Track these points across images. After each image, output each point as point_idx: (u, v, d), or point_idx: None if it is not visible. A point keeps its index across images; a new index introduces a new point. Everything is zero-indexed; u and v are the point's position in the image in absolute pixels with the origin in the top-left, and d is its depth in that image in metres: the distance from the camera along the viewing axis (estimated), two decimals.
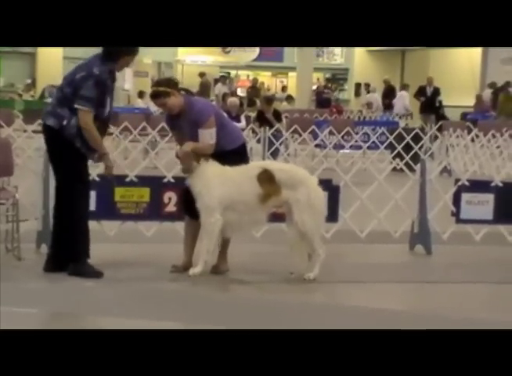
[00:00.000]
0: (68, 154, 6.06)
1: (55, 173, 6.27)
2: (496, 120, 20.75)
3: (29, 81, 26.20)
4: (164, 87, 6.24)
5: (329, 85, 30.80)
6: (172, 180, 7.28)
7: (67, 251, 6.11)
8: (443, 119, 19.75)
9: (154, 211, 7.23)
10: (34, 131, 13.94)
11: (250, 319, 5.26)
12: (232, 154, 6.27)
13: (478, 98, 24.28)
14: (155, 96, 6.30)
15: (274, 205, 6.26)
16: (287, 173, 6.24)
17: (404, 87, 24.34)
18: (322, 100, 27.89)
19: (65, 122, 6.03)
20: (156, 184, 7.26)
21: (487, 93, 24.43)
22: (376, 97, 25.41)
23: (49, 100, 22.73)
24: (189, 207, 6.38)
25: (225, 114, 6.97)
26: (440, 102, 22.02)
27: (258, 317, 5.32)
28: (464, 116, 22.97)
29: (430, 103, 21.74)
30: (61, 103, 6.09)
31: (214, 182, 6.15)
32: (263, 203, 6.16)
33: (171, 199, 7.27)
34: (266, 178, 6.16)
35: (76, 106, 5.99)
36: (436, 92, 22.16)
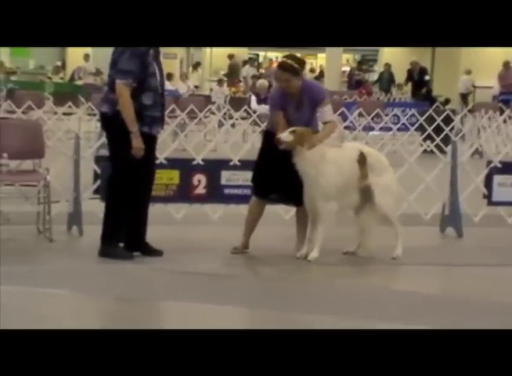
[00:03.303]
0: (123, 139, 5.90)
1: (111, 160, 6.14)
2: None
3: (59, 63, 26.31)
4: (299, 65, 6.20)
5: (361, 67, 30.61)
6: (201, 163, 7.28)
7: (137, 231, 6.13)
8: (429, 96, 19.98)
9: (183, 194, 7.24)
10: (64, 114, 14.05)
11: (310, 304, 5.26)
12: None
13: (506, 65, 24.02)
14: (286, 69, 6.19)
15: (362, 187, 6.36)
16: (375, 158, 6.43)
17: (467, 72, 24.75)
18: (354, 82, 27.79)
19: (118, 107, 5.95)
20: (185, 166, 7.27)
21: None
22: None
23: (79, 82, 22.91)
24: (263, 190, 6.37)
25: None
26: (427, 81, 22.23)
27: (329, 303, 5.32)
28: (497, 97, 22.74)
29: (419, 86, 21.99)
30: (111, 88, 6.02)
31: (331, 169, 6.19)
32: (359, 184, 6.32)
33: (200, 181, 7.28)
34: (361, 161, 6.31)
35: (116, 81, 5.91)
36: (422, 72, 22.29)
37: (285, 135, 6.14)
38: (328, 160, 6.19)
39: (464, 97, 23.70)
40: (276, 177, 6.28)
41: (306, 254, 6.25)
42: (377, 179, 6.34)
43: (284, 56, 6.45)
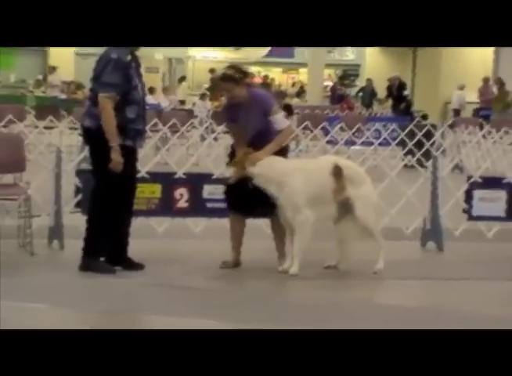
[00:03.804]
0: (108, 154, 5.89)
1: (94, 174, 6.13)
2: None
3: (40, 76, 26.24)
4: (240, 74, 6.22)
5: (344, 82, 30.83)
6: (183, 176, 7.28)
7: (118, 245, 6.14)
8: (408, 111, 20.25)
9: (166, 207, 7.24)
10: (46, 127, 14.00)
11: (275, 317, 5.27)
12: (276, 151, 6.26)
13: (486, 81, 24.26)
14: (226, 79, 6.24)
15: (338, 200, 6.35)
16: (352, 170, 6.41)
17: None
18: (337, 97, 27.99)
19: (102, 121, 5.92)
20: (167, 180, 7.27)
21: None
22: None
23: (62, 96, 22.84)
24: (235, 204, 6.37)
25: None
26: (406, 95, 22.47)
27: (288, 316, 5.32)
28: (477, 112, 22.95)
29: (399, 101, 22.26)
30: (94, 102, 6.00)
31: (296, 177, 6.16)
32: (334, 197, 6.28)
33: (182, 195, 7.28)
34: (337, 173, 6.28)
35: (99, 94, 5.90)
36: (401, 87, 22.56)
37: (230, 172, 6.29)
38: (292, 172, 6.16)
39: (457, 113, 23.69)
40: (245, 190, 6.29)
41: (287, 268, 6.25)
42: (356, 192, 6.32)
43: (226, 67, 6.45)
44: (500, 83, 23.11)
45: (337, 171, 6.28)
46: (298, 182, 6.15)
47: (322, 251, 6.64)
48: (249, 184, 6.25)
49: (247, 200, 6.31)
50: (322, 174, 6.24)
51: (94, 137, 6.04)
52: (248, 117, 6.26)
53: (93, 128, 6.01)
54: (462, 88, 24.71)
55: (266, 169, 6.14)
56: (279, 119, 6.27)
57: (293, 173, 6.16)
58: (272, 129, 6.30)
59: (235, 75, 6.20)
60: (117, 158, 5.94)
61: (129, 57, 5.98)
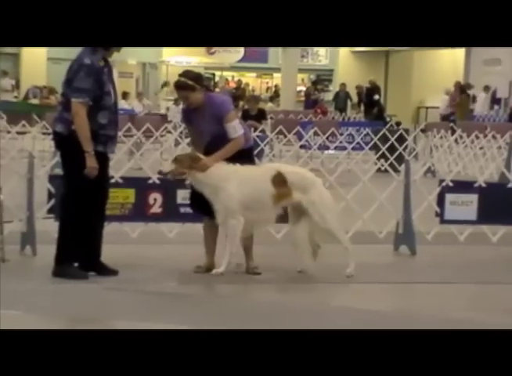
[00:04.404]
0: (79, 158, 5.88)
1: (65, 179, 6.12)
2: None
3: (12, 82, 26.06)
4: (193, 81, 6.25)
5: (317, 87, 31.00)
6: (157, 181, 7.27)
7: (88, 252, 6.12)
8: (381, 116, 20.41)
9: (139, 213, 7.22)
10: (18, 133, 13.90)
11: (239, 320, 5.27)
12: (241, 155, 6.27)
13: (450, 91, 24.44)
14: (181, 87, 6.29)
15: (284, 206, 6.39)
16: (298, 175, 6.42)
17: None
18: (310, 101, 28.12)
19: (74, 126, 5.91)
20: (141, 185, 7.25)
21: (481, 97, 24.74)
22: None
23: (33, 101, 22.71)
24: (202, 208, 6.38)
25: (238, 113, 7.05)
26: (377, 100, 22.65)
27: (251, 318, 5.33)
28: (448, 117, 23.16)
29: (370, 106, 22.47)
30: (65, 107, 5.97)
31: (232, 183, 6.19)
32: (275, 203, 6.29)
33: (156, 200, 7.26)
34: (279, 181, 6.29)
35: (72, 99, 5.88)
36: (370, 93, 22.73)
37: (166, 166, 6.34)
38: (228, 177, 6.19)
39: (445, 118, 23.69)
40: (197, 192, 6.35)
41: (207, 266, 6.29)
42: (307, 197, 6.33)
43: (179, 74, 6.48)
44: (461, 90, 23.19)
45: (279, 178, 6.29)
46: (233, 188, 6.19)
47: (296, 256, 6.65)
48: (186, 185, 6.40)
49: (200, 201, 6.33)
50: (261, 180, 6.25)
51: (65, 142, 6.01)
52: (203, 121, 6.29)
53: (64, 133, 5.99)
54: (448, 93, 24.69)
55: (203, 174, 6.19)
56: (232, 128, 6.24)
57: (230, 179, 6.20)
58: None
59: (188, 82, 6.25)
60: (92, 164, 5.92)
61: (102, 62, 5.97)
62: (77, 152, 5.91)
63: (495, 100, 25.65)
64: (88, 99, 5.88)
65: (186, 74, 6.41)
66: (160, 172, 6.56)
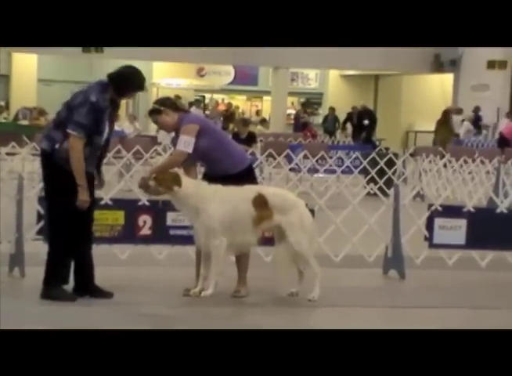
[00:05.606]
0: (59, 178, 5.98)
1: (45, 197, 6.20)
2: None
3: (2, 103, 26.05)
4: (158, 105, 6.44)
5: (306, 110, 31.14)
6: (147, 203, 7.27)
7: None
8: (369, 140, 20.48)
9: (129, 234, 7.21)
10: (8, 154, 13.88)
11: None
12: (237, 178, 6.29)
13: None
14: (149, 113, 6.55)
15: (265, 228, 6.41)
16: (279, 197, 6.40)
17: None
18: (300, 124, 28.20)
19: (57, 146, 6.00)
20: (130, 207, 7.25)
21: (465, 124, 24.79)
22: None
23: (23, 122, 22.70)
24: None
25: (228, 136, 7.12)
26: (366, 125, 22.71)
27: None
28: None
29: (359, 129, 22.55)
30: (56, 126, 6.08)
31: (212, 203, 6.19)
32: (256, 225, 6.29)
33: (145, 222, 7.26)
34: (260, 203, 6.29)
35: (68, 130, 5.97)
36: (361, 116, 22.80)
37: (148, 183, 6.29)
38: (209, 197, 6.19)
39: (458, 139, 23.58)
40: None
41: (199, 291, 6.26)
42: (286, 218, 6.32)
43: (153, 103, 6.68)
44: (444, 117, 23.03)
45: (260, 200, 6.29)
46: (214, 208, 6.18)
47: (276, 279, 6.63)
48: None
49: None
50: (242, 202, 6.25)
51: (48, 160, 6.07)
52: (176, 141, 6.42)
53: (48, 150, 6.04)
54: (460, 112, 24.38)
55: (184, 194, 6.19)
56: (180, 140, 6.33)
57: (210, 199, 6.20)
58: (217, 150, 6.33)
59: (155, 107, 6.47)
60: (84, 197, 5.99)
61: (107, 103, 6.06)
62: (57, 171, 5.98)
63: (476, 123, 25.57)
64: (84, 136, 5.98)
65: (157, 100, 6.71)
66: (140, 185, 6.43)
